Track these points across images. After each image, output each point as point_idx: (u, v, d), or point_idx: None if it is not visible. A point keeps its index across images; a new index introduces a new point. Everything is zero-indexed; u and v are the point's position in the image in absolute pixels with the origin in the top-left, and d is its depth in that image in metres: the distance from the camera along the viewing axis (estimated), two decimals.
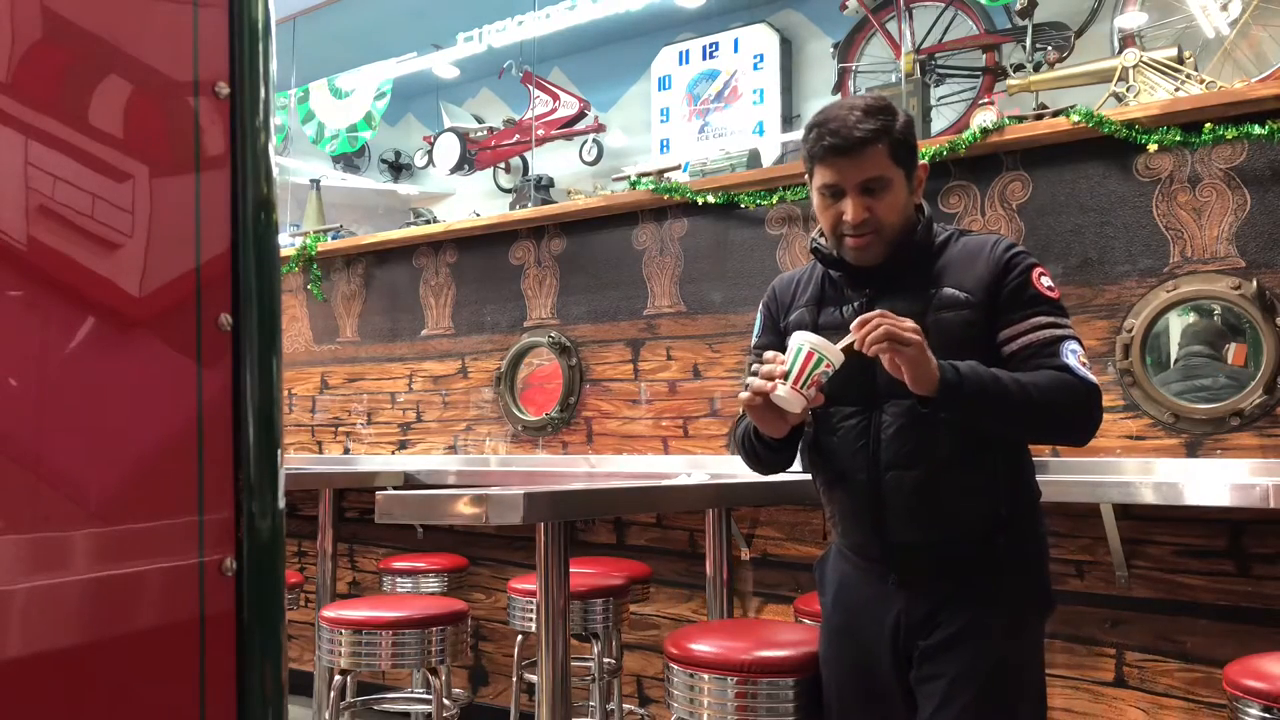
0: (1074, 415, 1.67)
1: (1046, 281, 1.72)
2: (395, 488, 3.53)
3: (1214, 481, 2.47)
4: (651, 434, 3.72)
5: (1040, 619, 1.81)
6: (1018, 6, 4.31)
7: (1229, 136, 2.70)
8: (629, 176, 3.95)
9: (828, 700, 1.86)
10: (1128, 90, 3.30)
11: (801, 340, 1.63)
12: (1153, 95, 3.20)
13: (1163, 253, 2.82)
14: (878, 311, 1.58)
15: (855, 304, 1.77)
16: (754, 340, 2.00)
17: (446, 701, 2.84)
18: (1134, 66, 3.31)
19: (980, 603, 1.71)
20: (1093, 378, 1.66)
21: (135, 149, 0.88)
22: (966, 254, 1.74)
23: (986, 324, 1.70)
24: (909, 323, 1.56)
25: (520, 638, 3.14)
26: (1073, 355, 1.66)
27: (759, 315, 1.99)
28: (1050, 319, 1.68)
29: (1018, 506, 1.76)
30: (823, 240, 1.83)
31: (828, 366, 1.61)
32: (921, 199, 1.82)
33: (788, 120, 5.65)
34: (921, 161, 1.79)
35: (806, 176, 1.82)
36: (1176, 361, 2.85)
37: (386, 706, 3.70)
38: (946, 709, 1.67)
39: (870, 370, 1.70)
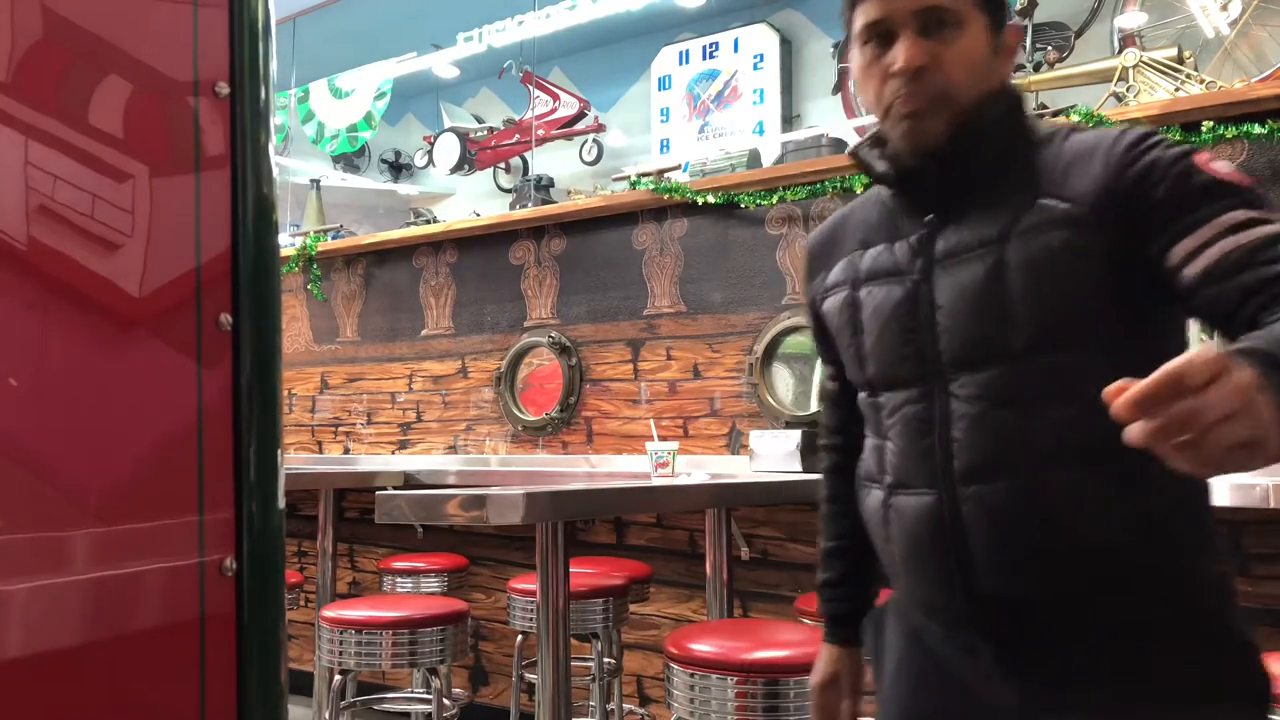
0: None
1: (1221, 165, 1.03)
2: (395, 488, 3.52)
3: (1214, 481, 2.46)
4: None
5: (1238, 715, 1.09)
6: (1018, 6, 4.30)
7: (1229, 136, 2.70)
8: (629, 176, 3.95)
9: None
10: (1128, 90, 3.30)
11: None
12: (1153, 95, 3.20)
13: None
14: (1150, 386, 0.72)
15: (913, 238, 1.17)
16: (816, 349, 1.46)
17: (446, 701, 2.84)
18: (1134, 66, 3.31)
19: (1133, 692, 1.07)
20: None
21: (135, 149, 0.88)
22: (1075, 153, 1.09)
23: (1103, 251, 1.05)
24: (1227, 393, 0.72)
25: (520, 638, 3.14)
26: None
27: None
28: (1252, 213, 0.99)
29: (1179, 532, 1.13)
30: (866, 147, 1.22)
31: None
32: (1011, 76, 1.22)
33: (788, 120, 5.65)
34: (1012, 22, 1.24)
35: (843, 42, 1.28)
36: None
37: (386, 706, 3.69)
38: None
39: (929, 328, 1.14)
